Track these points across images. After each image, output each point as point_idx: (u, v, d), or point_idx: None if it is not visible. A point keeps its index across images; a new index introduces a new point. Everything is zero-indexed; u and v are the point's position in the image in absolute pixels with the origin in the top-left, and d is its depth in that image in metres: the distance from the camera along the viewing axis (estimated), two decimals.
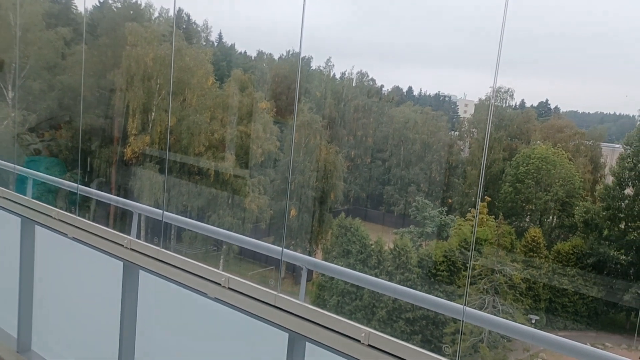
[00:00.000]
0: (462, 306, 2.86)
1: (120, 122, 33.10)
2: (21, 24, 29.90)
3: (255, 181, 33.24)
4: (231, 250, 32.88)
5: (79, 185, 5.26)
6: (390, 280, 28.44)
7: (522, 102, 37.87)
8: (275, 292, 3.35)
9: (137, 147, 32.58)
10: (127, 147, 32.71)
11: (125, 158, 32.76)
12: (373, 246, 30.91)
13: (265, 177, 33.62)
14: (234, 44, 41.98)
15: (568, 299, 28.83)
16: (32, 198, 5.21)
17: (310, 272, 3.58)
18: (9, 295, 5.33)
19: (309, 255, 29.63)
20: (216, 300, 3.59)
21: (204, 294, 3.65)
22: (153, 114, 32.95)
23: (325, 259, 31.34)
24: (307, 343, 3.22)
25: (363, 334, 2.97)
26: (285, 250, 3.59)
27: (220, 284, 3.57)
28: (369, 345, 2.97)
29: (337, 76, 40.13)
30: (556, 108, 39.45)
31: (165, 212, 4.32)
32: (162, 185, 31.98)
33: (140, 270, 4.11)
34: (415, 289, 3.48)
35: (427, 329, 27.98)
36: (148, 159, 32.72)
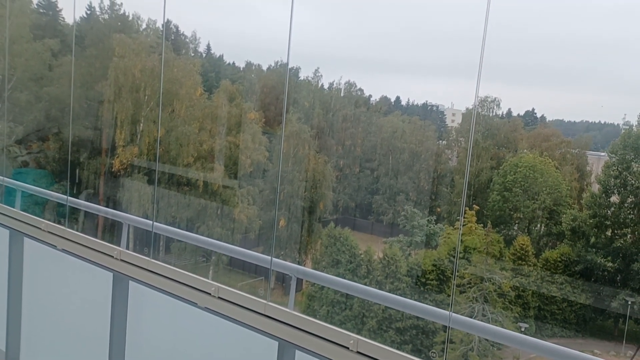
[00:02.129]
0: (448, 312, 2.91)
1: (109, 133, 32.95)
2: (8, 35, 29.77)
3: (244, 192, 33.18)
4: (220, 261, 32.72)
5: (68, 197, 5.26)
6: (380, 289, 28.43)
7: (509, 111, 38.27)
8: (264, 301, 3.39)
9: (125, 159, 32.43)
10: (115, 158, 32.56)
11: (113, 169, 32.59)
12: (362, 256, 30.92)
13: (254, 188, 33.57)
14: (223, 55, 42.11)
15: (557, 307, 28.98)
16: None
17: (300, 282, 3.62)
18: None
19: (299, 265, 29.56)
20: (206, 309, 3.61)
21: (194, 304, 3.67)
22: (141, 125, 32.86)
23: (314, 269, 31.27)
24: (296, 351, 3.25)
25: (352, 341, 3.02)
26: (274, 259, 3.63)
27: (210, 294, 3.60)
28: (358, 352, 3.01)
29: (325, 86, 40.32)
30: (542, 117, 39.92)
31: (155, 223, 4.34)
32: (150, 197, 31.84)
33: (130, 281, 4.12)
34: (405, 298, 3.53)
35: (417, 338, 27.98)
36: (136, 170, 32.58)
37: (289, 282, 3.50)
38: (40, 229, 4.80)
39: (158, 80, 32.34)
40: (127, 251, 4.15)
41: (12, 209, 5.21)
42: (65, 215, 5.60)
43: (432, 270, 29.45)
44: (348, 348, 3.04)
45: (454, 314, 2.92)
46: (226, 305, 3.53)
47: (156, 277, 3.92)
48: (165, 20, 34.22)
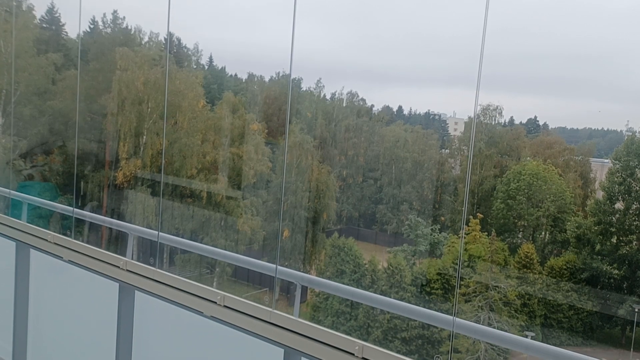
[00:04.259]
0: (451, 317, 2.93)
1: (112, 146, 33.09)
2: (11, 50, 30.05)
3: (247, 203, 33.22)
4: (224, 272, 32.70)
5: (74, 209, 5.30)
6: None
7: (511, 119, 38.31)
8: (270, 309, 3.40)
9: (128, 171, 32.54)
10: (118, 171, 32.68)
11: (116, 182, 32.69)
12: (367, 265, 30.86)
13: (258, 199, 33.61)
14: (225, 67, 42.32)
15: (563, 315, 28.84)
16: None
17: (304, 293, 3.63)
18: (4, 320, 5.32)
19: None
20: (212, 318, 3.63)
21: (200, 313, 3.69)
22: (144, 137, 32.99)
23: None
24: (302, 358, 3.27)
25: (357, 347, 3.03)
26: (279, 267, 3.66)
27: (216, 303, 3.61)
28: (363, 358, 3.02)
29: (328, 97, 40.48)
30: (545, 124, 39.94)
31: (160, 233, 4.37)
32: (154, 209, 31.90)
33: (136, 291, 4.15)
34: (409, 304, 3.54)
35: (423, 348, 27.85)
36: (140, 183, 32.67)
37: (293, 293, 3.54)
38: (46, 240, 4.83)
39: (160, 93, 32.49)
40: (133, 261, 4.18)
41: (18, 221, 5.25)
42: (69, 228, 5.65)
43: (437, 279, 29.35)
44: (353, 354, 3.05)
45: (457, 319, 2.93)
46: (232, 313, 3.55)
47: (162, 287, 3.94)
48: (169, 33, 34.44)
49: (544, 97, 39.99)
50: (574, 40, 34.97)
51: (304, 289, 3.82)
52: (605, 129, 40.15)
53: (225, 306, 3.58)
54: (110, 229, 31.64)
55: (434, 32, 37.76)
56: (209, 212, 32.78)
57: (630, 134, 32.57)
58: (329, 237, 33.04)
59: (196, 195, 33.34)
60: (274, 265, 3.70)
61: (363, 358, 3.02)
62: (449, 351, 26.95)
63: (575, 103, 41.79)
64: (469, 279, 28.17)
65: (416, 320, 27.74)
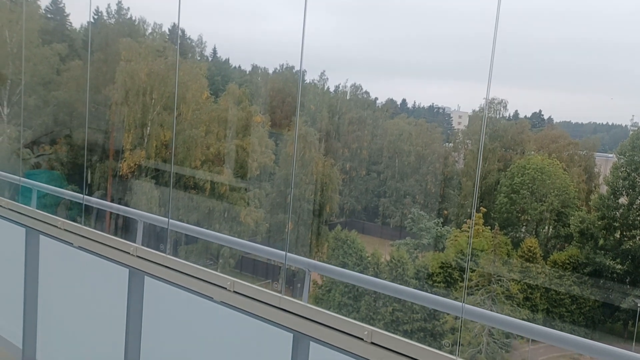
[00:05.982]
0: (460, 304, 2.96)
1: (116, 136, 33.16)
2: (17, 40, 30.10)
3: (251, 195, 33.28)
4: (227, 264, 32.81)
5: (85, 196, 5.35)
6: None
7: (516, 113, 38.18)
8: (279, 295, 3.44)
9: (132, 162, 32.61)
10: (122, 162, 32.75)
11: (121, 172, 32.78)
12: (370, 258, 30.92)
13: (261, 191, 33.67)
14: (229, 59, 42.26)
15: (565, 309, 28.87)
16: None
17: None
18: (14, 306, 5.38)
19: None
20: (222, 304, 3.67)
21: (210, 298, 3.73)
22: (148, 128, 33.03)
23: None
24: (311, 342, 3.31)
25: (366, 332, 3.07)
26: (288, 254, 3.69)
27: (226, 288, 3.65)
28: (372, 343, 3.06)
29: (332, 89, 40.39)
30: (549, 118, 39.81)
31: (170, 220, 4.41)
32: (157, 200, 31.98)
33: (145, 277, 4.19)
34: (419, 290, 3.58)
35: (425, 340, 27.94)
36: (144, 174, 32.74)
37: (296, 285, 3.58)
38: (56, 227, 4.88)
39: (164, 84, 32.50)
40: (143, 247, 4.23)
41: (28, 207, 5.30)
42: (75, 219, 5.67)
43: (440, 273, 29.40)
44: (362, 339, 3.09)
45: (466, 305, 2.97)
46: (242, 299, 3.58)
47: (172, 273, 3.98)
48: (174, 24, 34.42)
49: (549, 91, 39.89)
50: (580, 34, 34.84)
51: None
52: (610, 123, 40.05)
53: (235, 292, 3.62)
54: (115, 220, 31.77)
55: (440, 25, 37.65)
56: (212, 203, 32.86)
57: (636, 128, 32.50)
58: (332, 230, 33.10)
59: (200, 187, 33.42)
60: (283, 252, 3.74)
61: (372, 343, 3.06)
62: (451, 344, 27.05)
63: (580, 97, 41.67)
64: (471, 272, 28.22)
65: (419, 314, 27.86)
